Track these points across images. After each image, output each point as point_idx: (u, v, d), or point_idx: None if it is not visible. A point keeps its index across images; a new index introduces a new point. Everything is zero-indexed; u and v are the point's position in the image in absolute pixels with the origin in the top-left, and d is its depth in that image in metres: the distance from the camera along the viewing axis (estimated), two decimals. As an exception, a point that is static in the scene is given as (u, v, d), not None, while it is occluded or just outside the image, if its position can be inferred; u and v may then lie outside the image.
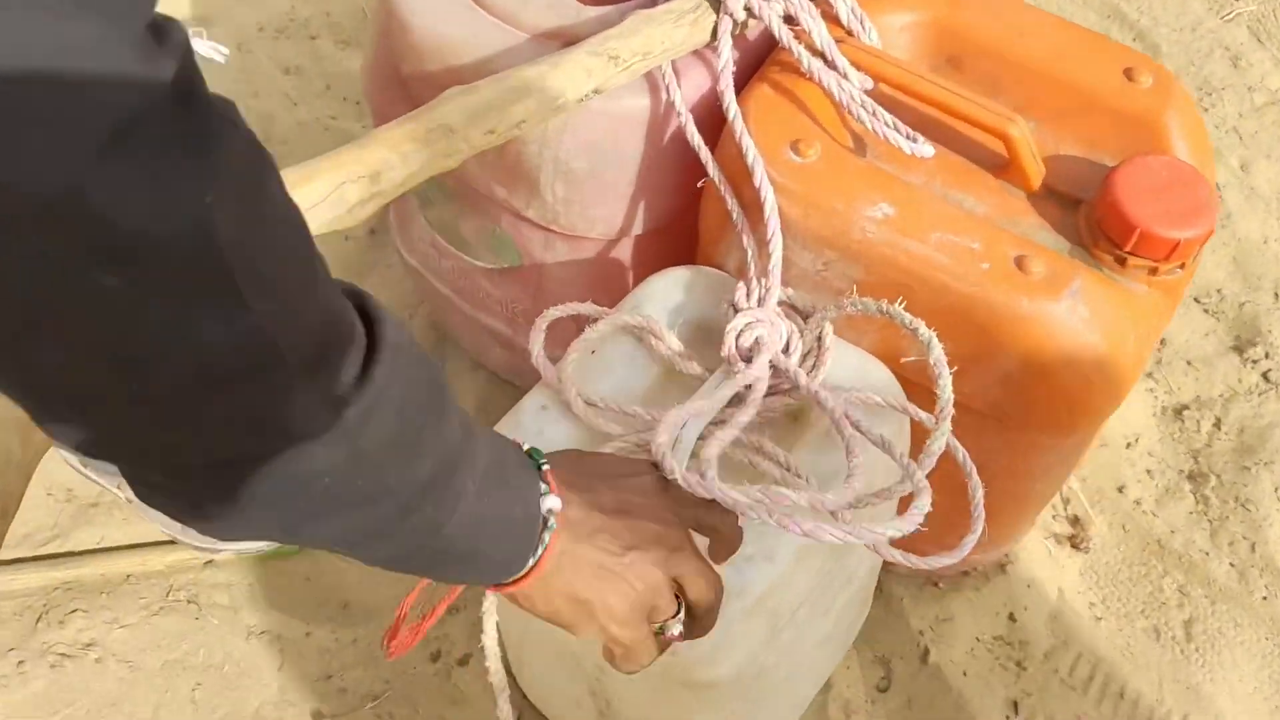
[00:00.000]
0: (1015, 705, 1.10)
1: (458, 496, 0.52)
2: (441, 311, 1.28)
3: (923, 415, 0.82)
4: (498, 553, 0.56)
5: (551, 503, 0.58)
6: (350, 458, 0.45)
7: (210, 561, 1.19)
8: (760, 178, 0.87)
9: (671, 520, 0.65)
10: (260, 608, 1.16)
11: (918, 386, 0.91)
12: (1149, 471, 1.26)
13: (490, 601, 0.84)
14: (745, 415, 0.81)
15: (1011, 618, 1.15)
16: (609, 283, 1.09)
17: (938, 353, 0.78)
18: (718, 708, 0.83)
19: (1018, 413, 0.89)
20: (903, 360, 0.86)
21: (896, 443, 0.86)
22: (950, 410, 0.77)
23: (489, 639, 0.85)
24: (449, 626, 1.14)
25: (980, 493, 0.80)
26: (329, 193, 0.78)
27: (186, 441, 0.42)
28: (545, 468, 0.60)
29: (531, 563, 0.58)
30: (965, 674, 1.12)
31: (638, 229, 1.03)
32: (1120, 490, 1.25)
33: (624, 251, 1.05)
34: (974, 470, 0.81)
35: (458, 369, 1.33)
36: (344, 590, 1.17)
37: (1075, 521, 1.22)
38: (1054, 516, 1.22)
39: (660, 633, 0.64)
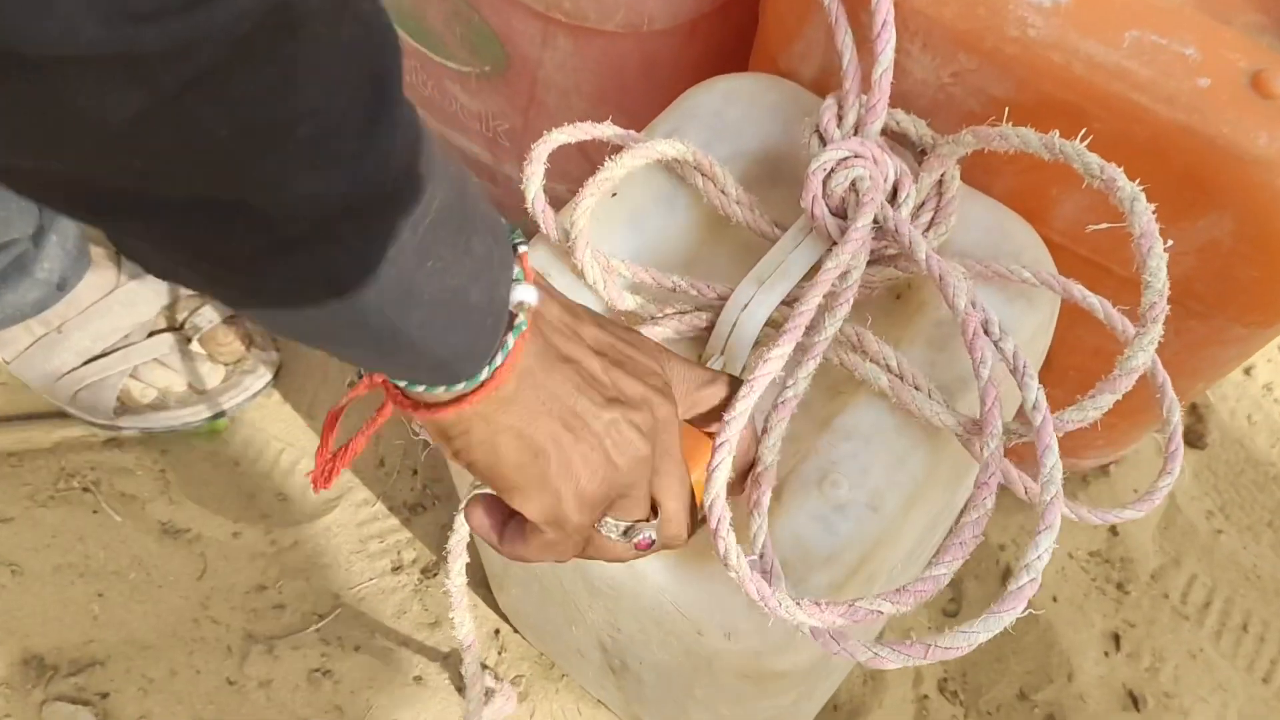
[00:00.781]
0: (1116, 638, 0.89)
1: (385, 241, 0.33)
2: (403, 125, 0.99)
3: (1093, 301, 0.57)
4: (438, 345, 0.37)
5: (525, 294, 0.40)
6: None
7: (112, 439, 0.94)
8: (867, -61, 0.59)
9: (667, 391, 0.46)
10: (176, 500, 0.92)
11: (1063, 251, 0.66)
12: (1281, 349, 1.03)
13: (458, 537, 0.60)
14: (841, 308, 0.55)
15: (1113, 530, 0.94)
16: (629, 95, 0.81)
17: (1146, 219, 0.51)
18: (778, 696, 0.61)
19: (1213, 294, 0.64)
20: (1089, 228, 0.60)
21: (1040, 340, 0.61)
22: (1164, 307, 0.52)
23: (455, 585, 0.62)
24: (413, 529, 0.91)
25: (1178, 415, 0.56)
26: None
27: None
28: (521, 248, 0.41)
29: (486, 374, 0.39)
30: (1055, 599, 0.91)
31: (673, 18, 0.74)
32: (1247, 372, 1.01)
33: (652, 51, 0.77)
34: (1169, 385, 0.56)
35: (425, 200, 1.05)
36: (282, 479, 0.94)
37: (1191, 410, 0.99)
38: (1166, 404, 0.98)
39: (624, 535, 0.47)
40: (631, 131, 0.63)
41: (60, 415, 0.94)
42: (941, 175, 0.60)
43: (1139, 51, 0.57)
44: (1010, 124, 0.56)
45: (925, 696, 0.88)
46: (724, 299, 0.59)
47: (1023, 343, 0.59)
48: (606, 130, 0.62)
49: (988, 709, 0.88)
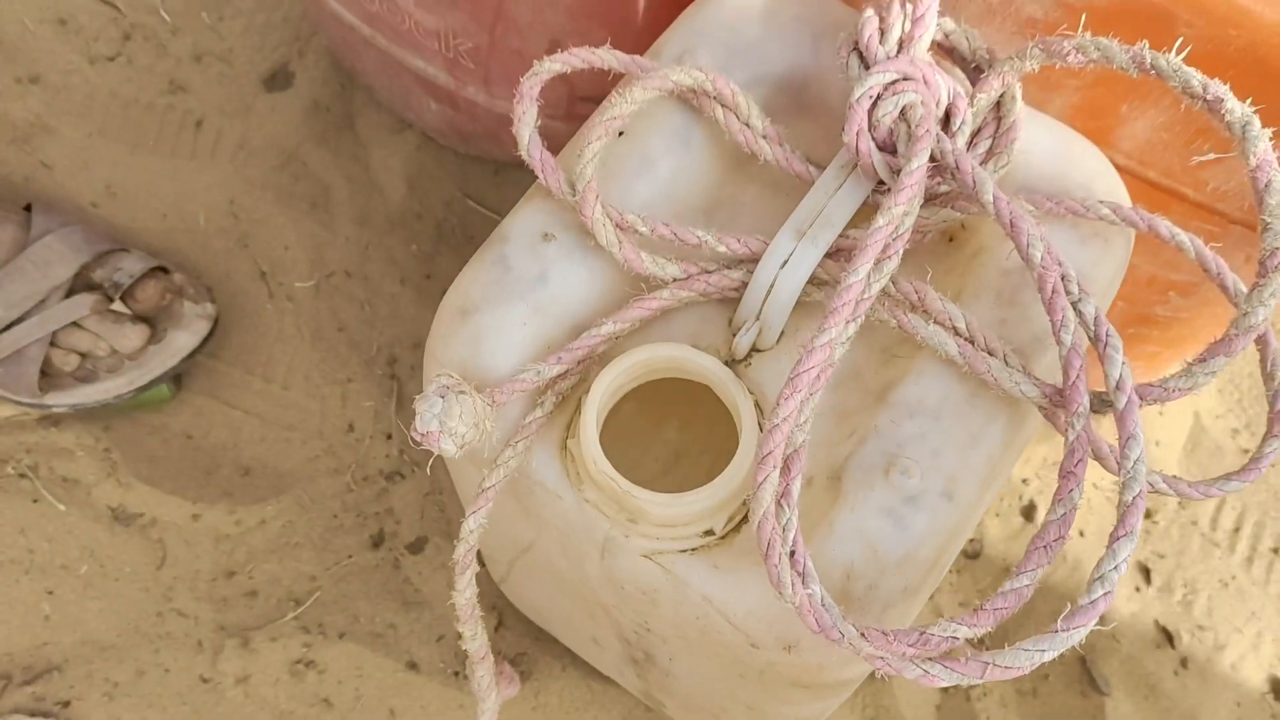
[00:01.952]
0: (1146, 571, 0.85)
1: None
2: (347, 46, 0.88)
3: (1183, 239, 0.49)
4: None
5: None
6: None
7: (46, 417, 0.85)
8: None
9: None
10: (125, 482, 0.83)
11: (1125, 174, 0.58)
12: (1302, 252, 0.97)
13: (465, 546, 0.52)
14: (889, 262, 0.47)
15: (1138, 456, 0.88)
16: (616, 4, 0.71)
17: (1263, 147, 0.44)
18: (834, 699, 0.55)
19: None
20: (1195, 159, 0.52)
21: (1115, 285, 0.54)
22: (1289, 250, 0.45)
23: (464, 599, 0.54)
24: (392, 500, 0.83)
25: (1282, 370, 0.49)
26: None
27: None
28: None
29: None
30: (1081, 533, 0.86)
31: (664, -85, 0.64)
32: (1270, 279, 0.95)
33: (638, -47, 0.67)
34: (1272, 334, 0.50)
35: (374, 128, 0.94)
36: (241, 451, 0.85)
37: (1215, 323, 0.93)
38: (1188, 318, 0.93)
39: None
40: (637, 58, 0.54)
41: (-16, 394, 0.84)
42: (1001, 97, 0.52)
43: (1235, -58, 0.48)
44: (1088, 35, 0.48)
45: (950, 643, 0.83)
46: (757, 255, 0.51)
47: (1101, 290, 0.52)
48: (607, 57, 0.53)
49: (1016, 652, 0.83)
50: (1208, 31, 0.49)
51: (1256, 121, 0.44)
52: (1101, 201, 0.50)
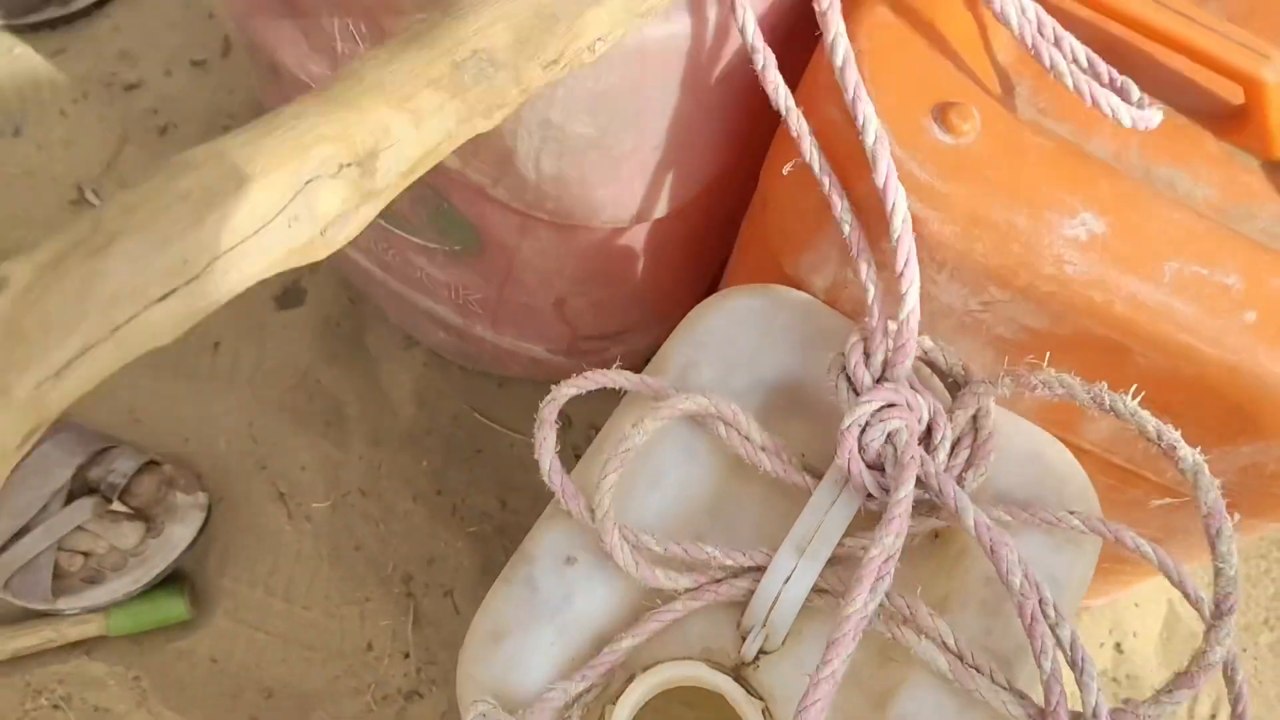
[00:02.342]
0: (1131, 763, 0.89)
1: None
2: (358, 279, 0.93)
3: (1146, 549, 0.54)
4: None
5: None
6: None
7: (77, 643, 0.88)
8: (885, 172, 0.55)
9: None
10: (154, 711, 0.86)
11: (1093, 458, 0.63)
12: (1264, 434, 1.03)
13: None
14: (884, 581, 0.52)
15: (1118, 648, 0.93)
16: (615, 276, 0.76)
17: (1213, 497, 0.49)
18: None
19: (1251, 505, 0.62)
20: (1153, 504, 0.58)
21: (1085, 583, 0.59)
22: (1238, 596, 0.50)
23: None
24: (409, 719, 0.87)
25: (1242, 674, 0.54)
26: (286, 201, 0.39)
27: None
28: None
29: None
30: None
31: (660, 211, 0.70)
32: (1234, 464, 1.01)
33: (636, 239, 0.72)
34: (1234, 649, 0.54)
35: (384, 343, 0.99)
36: (264, 672, 0.88)
37: (1185, 511, 0.98)
38: (1160, 506, 0.98)
39: None
40: (645, 378, 0.59)
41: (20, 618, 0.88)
42: (976, 412, 0.57)
43: (1181, 285, 0.54)
44: (1048, 355, 0.54)
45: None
46: (761, 565, 0.56)
47: (1074, 590, 0.57)
48: (619, 378, 0.58)
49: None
50: (1160, 362, 0.55)
51: (1206, 471, 0.49)
52: (1072, 512, 0.55)
